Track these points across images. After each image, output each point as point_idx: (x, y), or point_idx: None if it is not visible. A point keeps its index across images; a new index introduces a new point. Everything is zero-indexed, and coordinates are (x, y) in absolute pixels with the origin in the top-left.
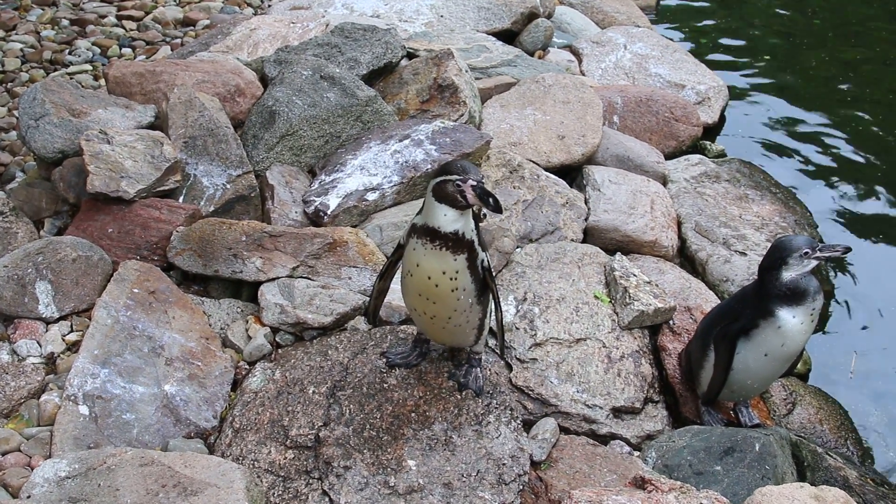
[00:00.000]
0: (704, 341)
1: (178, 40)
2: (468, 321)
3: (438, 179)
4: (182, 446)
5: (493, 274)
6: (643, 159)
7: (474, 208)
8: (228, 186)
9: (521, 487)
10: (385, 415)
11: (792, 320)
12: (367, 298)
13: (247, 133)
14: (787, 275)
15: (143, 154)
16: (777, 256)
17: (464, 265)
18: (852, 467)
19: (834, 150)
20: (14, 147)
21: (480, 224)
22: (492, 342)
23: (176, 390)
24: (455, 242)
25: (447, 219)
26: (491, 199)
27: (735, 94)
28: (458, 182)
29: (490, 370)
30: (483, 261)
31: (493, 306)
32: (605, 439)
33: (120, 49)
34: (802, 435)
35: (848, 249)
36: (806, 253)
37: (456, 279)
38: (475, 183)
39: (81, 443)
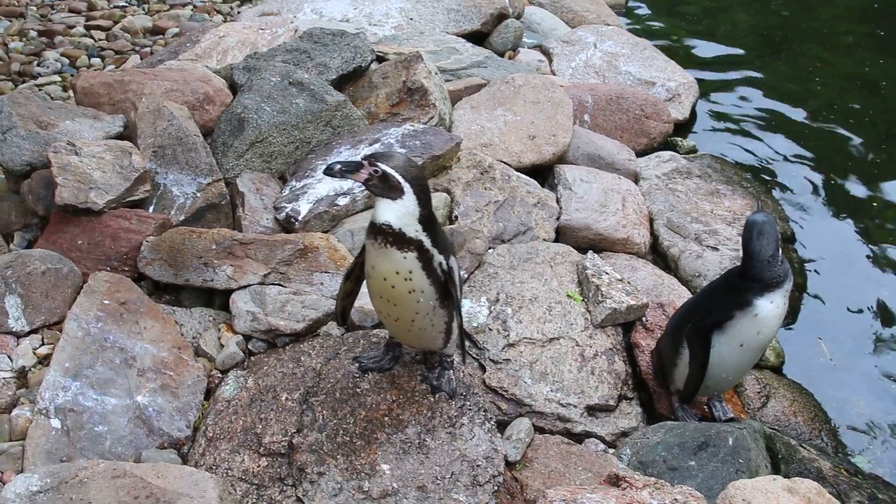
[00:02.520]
0: (675, 338)
1: (148, 49)
2: (433, 325)
3: None
4: (155, 457)
5: (460, 277)
6: (614, 157)
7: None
8: (198, 195)
9: (495, 488)
10: (358, 420)
11: (769, 306)
12: None
13: (216, 141)
14: (779, 252)
15: (111, 164)
16: (776, 236)
17: (416, 265)
18: (826, 458)
19: (805, 144)
20: None
21: (452, 226)
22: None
23: (148, 401)
24: (395, 238)
25: (376, 208)
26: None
27: (705, 90)
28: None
29: (463, 372)
30: (441, 263)
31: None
32: (579, 438)
33: (89, 59)
34: (776, 428)
35: (763, 202)
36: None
37: (411, 280)
38: (364, 162)
39: (54, 456)
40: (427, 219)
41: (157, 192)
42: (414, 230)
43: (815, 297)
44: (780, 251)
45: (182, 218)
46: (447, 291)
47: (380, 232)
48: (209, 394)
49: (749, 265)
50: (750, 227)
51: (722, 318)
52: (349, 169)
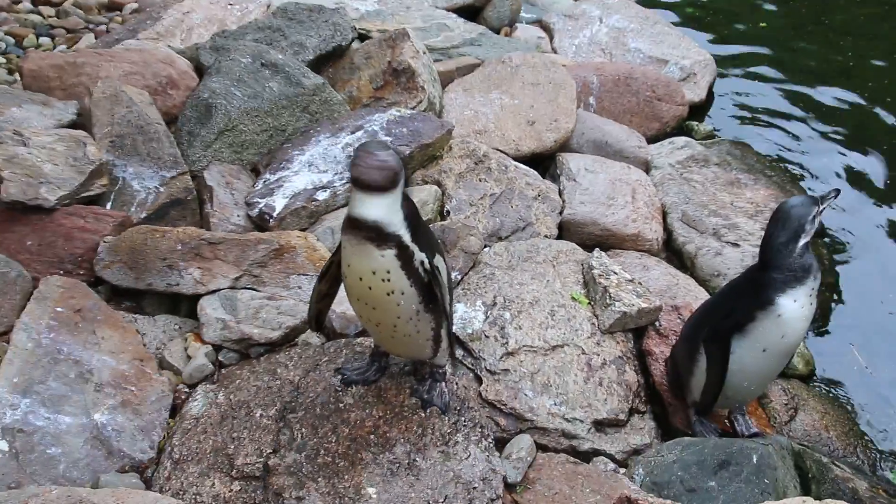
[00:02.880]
0: (692, 344)
1: (103, 27)
2: (418, 331)
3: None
4: (115, 482)
5: (450, 278)
6: (623, 144)
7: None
8: (162, 189)
9: None
10: (341, 438)
11: (792, 305)
12: None
13: (181, 129)
14: (803, 243)
15: (64, 156)
16: (797, 224)
17: (395, 264)
18: (862, 477)
19: (836, 128)
20: None
21: (443, 223)
22: (459, 352)
23: (107, 419)
24: (376, 233)
25: (357, 202)
26: (356, 161)
27: (724, 68)
28: (353, 155)
29: (457, 384)
30: (424, 262)
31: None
32: (587, 456)
33: (37, 39)
34: (806, 443)
35: (838, 192)
36: (815, 212)
37: (389, 281)
38: (356, 151)
39: (0, 483)
40: (410, 210)
41: (115, 186)
42: (396, 223)
43: (848, 297)
44: (805, 243)
45: (143, 215)
46: (432, 294)
47: (359, 227)
48: (175, 411)
49: (761, 249)
50: (776, 209)
51: (742, 319)
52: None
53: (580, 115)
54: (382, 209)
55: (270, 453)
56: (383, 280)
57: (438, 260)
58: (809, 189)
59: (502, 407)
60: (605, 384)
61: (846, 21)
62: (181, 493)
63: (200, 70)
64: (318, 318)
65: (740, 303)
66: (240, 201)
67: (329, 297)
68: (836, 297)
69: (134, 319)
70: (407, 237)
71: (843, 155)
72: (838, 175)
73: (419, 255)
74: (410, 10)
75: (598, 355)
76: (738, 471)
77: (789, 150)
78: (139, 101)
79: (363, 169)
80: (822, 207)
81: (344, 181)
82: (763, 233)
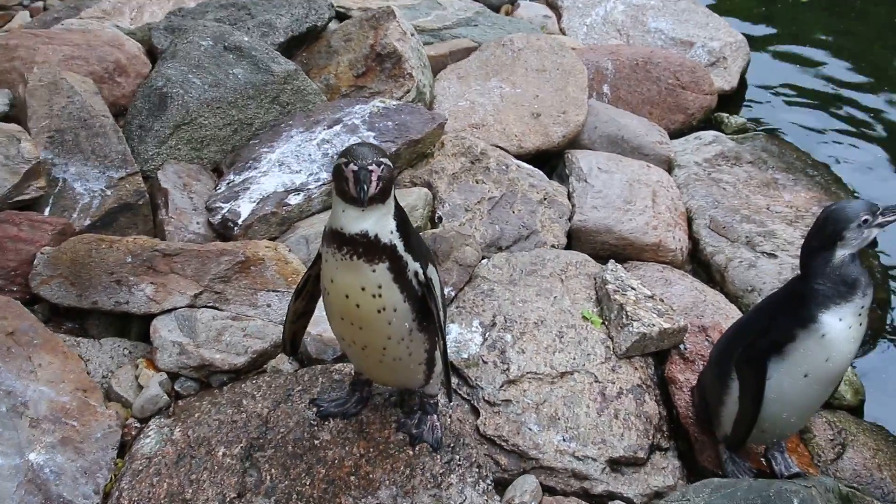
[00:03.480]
0: (722, 369)
1: (40, 4)
2: (410, 354)
3: (334, 165)
4: None
5: (443, 292)
6: (641, 139)
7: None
8: (109, 193)
9: None
10: (317, 480)
11: (838, 325)
12: None
13: (131, 123)
14: (842, 253)
15: None
16: (832, 229)
17: (387, 278)
18: None
19: (887, 120)
20: None
21: (435, 230)
22: (454, 380)
23: (44, 460)
24: (367, 248)
25: (347, 216)
26: (357, 188)
27: (758, 51)
28: (342, 166)
29: (451, 417)
30: (418, 273)
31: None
32: (601, 500)
33: None
34: (856, 486)
35: None
36: (866, 220)
37: (380, 297)
38: (356, 167)
39: None
40: (400, 215)
41: (54, 189)
42: (388, 232)
43: None
44: (844, 257)
45: (87, 222)
46: (426, 309)
47: (348, 242)
48: (124, 449)
49: (801, 253)
50: (822, 216)
51: (781, 339)
52: (365, 176)
53: (592, 105)
54: (373, 221)
55: (234, 498)
56: (374, 296)
57: (431, 270)
58: (855, 193)
59: (503, 443)
60: (622, 417)
61: None
62: None
63: (153, 54)
64: (293, 340)
65: (778, 320)
66: (199, 206)
67: (305, 316)
68: (889, 315)
69: (76, 343)
70: (401, 246)
71: None
72: (893, 173)
73: (413, 266)
74: None
75: (614, 383)
76: None
77: (835, 145)
78: (82, 90)
79: (349, 181)
80: (881, 220)
81: (320, 183)
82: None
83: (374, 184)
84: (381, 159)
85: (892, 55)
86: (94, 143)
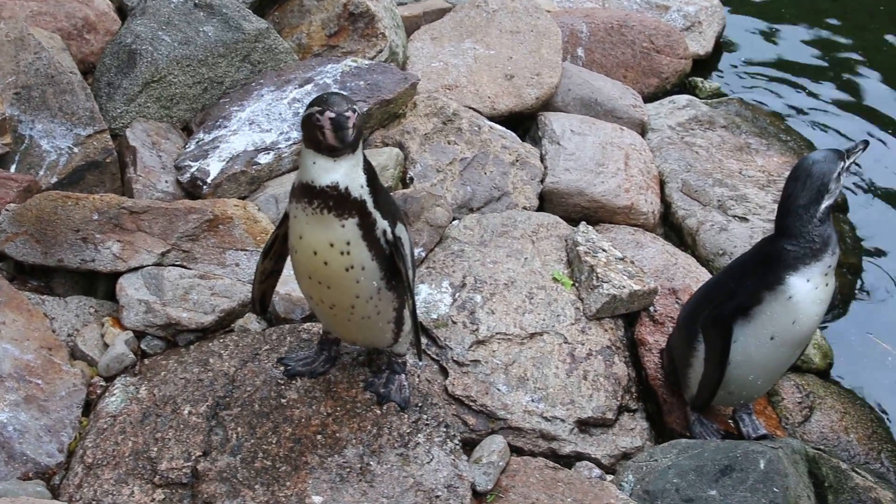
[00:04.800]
0: (690, 331)
1: None
2: (378, 312)
3: (304, 114)
4: (16, 490)
5: (412, 251)
6: (615, 103)
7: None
8: (76, 150)
9: None
10: (283, 439)
11: (805, 286)
12: None
13: (100, 80)
14: (826, 205)
15: None
16: (819, 182)
17: (356, 234)
18: (887, 487)
19: (861, 86)
20: None
21: (406, 191)
22: (423, 340)
23: (7, 417)
24: (338, 200)
25: (318, 167)
26: (339, 133)
27: (734, 15)
28: (316, 115)
29: (419, 377)
30: (386, 231)
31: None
32: (568, 460)
33: None
34: (822, 448)
35: (867, 143)
36: (841, 167)
37: (348, 254)
38: (333, 115)
39: None
40: (369, 170)
41: (20, 146)
42: (359, 186)
43: (873, 280)
44: (826, 210)
45: (54, 180)
46: (395, 268)
47: (319, 194)
48: (89, 407)
49: (778, 214)
50: (797, 163)
51: (747, 301)
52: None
53: (566, 68)
54: (344, 172)
55: (200, 456)
56: (342, 253)
57: (400, 229)
58: None
59: (471, 403)
60: (591, 378)
61: None
62: (94, 502)
63: (123, 11)
64: (262, 300)
65: (745, 282)
66: (168, 165)
67: (274, 275)
68: (859, 280)
69: (41, 301)
70: (370, 202)
71: (872, 117)
72: (866, 139)
73: (381, 224)
74: None
75: (583, 345)
76: (743, 478)
77: (808, 110)
78: (49, 46)
79: (325, 128)
80: (848, 163)
81: (291, 142)
82: (777, 203)
83: (351, 130)
84: (354, 105)
85: (867, 21)
86: (62, 100)
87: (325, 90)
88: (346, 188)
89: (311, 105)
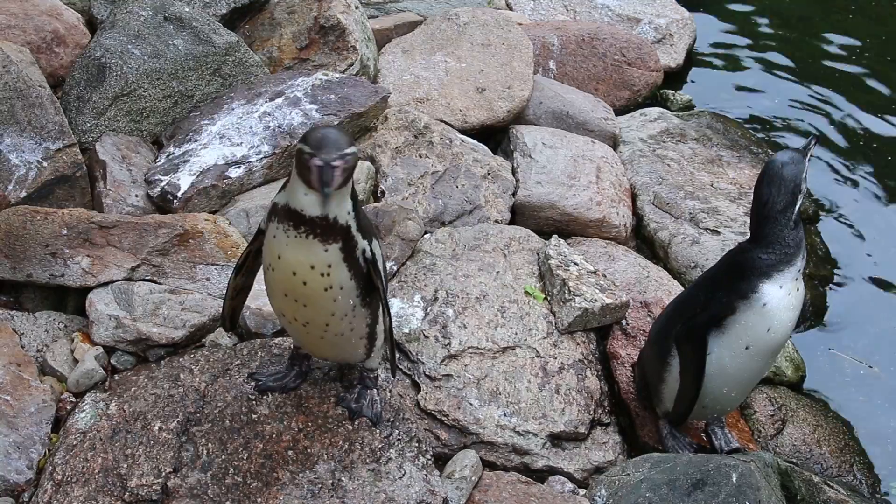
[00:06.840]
0: (662, 346)
1: None
2: (352, 329)
3: (297, 147)
4: None
5: (384, 266)
6: (587, 115)
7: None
8: (45, 164)
9: None
10: (254, 454)
11: (778, 292)
12: None
13: (69, 94)
14: (800, 204)
15: None
16: (792, 183)
17: (338, 257)
18: (859, 499)
19: (834, 99)
20: None
21: (377, 204)
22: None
23: None
24: (325, 229)
25: (309, 199)
26: (321, 185)
27: (705, 28)
28: (306, 156)
29: (391, 392)
30: (365, 251)
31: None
32: (541, 475)
33: None
34: (795, 461)
35: (817, 139)
36: (806, 167)
37: (329, 275)
38: (321, 164)
39: None
40: (353, 190)
41: None
42: (346, 213)
43: (846, 292)
44: (798, 212)
45: (23, 194)
46: (371, 285)
47: (307, 223)
48: (58, 424)
49: (754, 220)
50: (765, 168)
51: (720, 312)
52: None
53: (538, 81)
54: (335, 203)
55: (170, 473)
56: (322, 275)
57: (375, 245)
58: None
59: (443, 418)
60: (563, 392)
61: None
62: None
63: (93, 24)
64: (232, 316)
65: (717, 293)
66: (138, 179)
67: (245, 291)
68: (831, 290)
69: (10, 317)
70: (354, 226)
71: (843, 128)
72: (838, 151)
73: (361, 244)
74: None
75: (556, 358)
76: (716, 492)
77: (780, 123)
78: (18, 59)
79: (312, 174)
80: (809, 158)
81: (261, 156)
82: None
83: (338, 179)
84: (346, 151)
85: (839, 33)
86: (31, 113)
87: (296, 104)
88: (335, 217)
89: (304, 139)
